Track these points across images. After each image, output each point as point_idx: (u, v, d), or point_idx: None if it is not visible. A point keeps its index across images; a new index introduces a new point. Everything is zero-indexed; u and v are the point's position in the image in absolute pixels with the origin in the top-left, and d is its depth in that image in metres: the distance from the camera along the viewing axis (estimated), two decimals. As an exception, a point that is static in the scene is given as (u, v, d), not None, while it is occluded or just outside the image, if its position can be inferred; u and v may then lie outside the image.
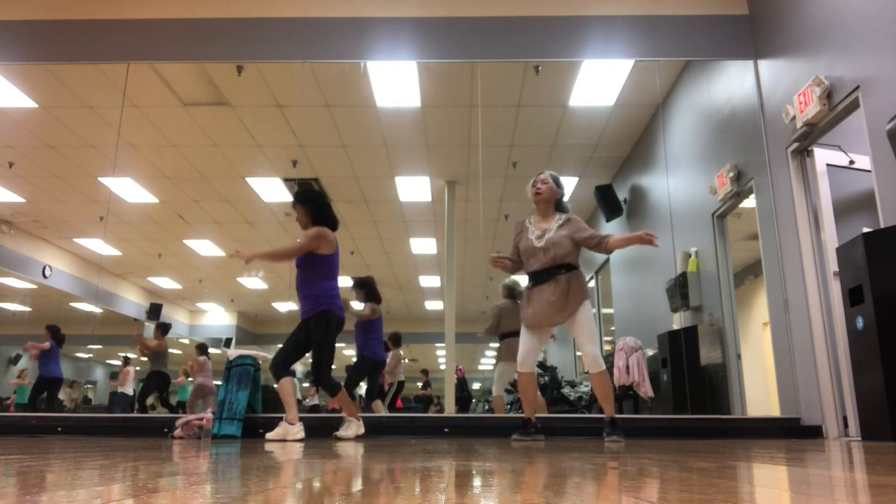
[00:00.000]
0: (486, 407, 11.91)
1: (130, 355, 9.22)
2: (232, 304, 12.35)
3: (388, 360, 6.99)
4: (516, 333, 5.85)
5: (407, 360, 8.47)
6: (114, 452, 2.17)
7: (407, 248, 10.06)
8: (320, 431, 4.71)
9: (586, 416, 5.61)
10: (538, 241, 3.85)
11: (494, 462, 1.72)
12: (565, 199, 4.04)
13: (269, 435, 4.00)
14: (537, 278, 3.83)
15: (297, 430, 4.00)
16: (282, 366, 4.05)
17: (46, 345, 7.76)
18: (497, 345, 6.03)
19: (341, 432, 4.15)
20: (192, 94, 6.71)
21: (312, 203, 4.29)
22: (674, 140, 6.58)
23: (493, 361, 6.19)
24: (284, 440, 3.92)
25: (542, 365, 7.14)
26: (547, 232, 3.86)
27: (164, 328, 8.18)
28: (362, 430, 4.21)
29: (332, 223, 4.33)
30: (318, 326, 4.10)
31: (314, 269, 4.16)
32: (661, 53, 5.89)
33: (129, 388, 8.96)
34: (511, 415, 5.91)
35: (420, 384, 10.99)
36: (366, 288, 6.10)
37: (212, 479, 1.20)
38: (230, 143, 7.57)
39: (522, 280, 6.17)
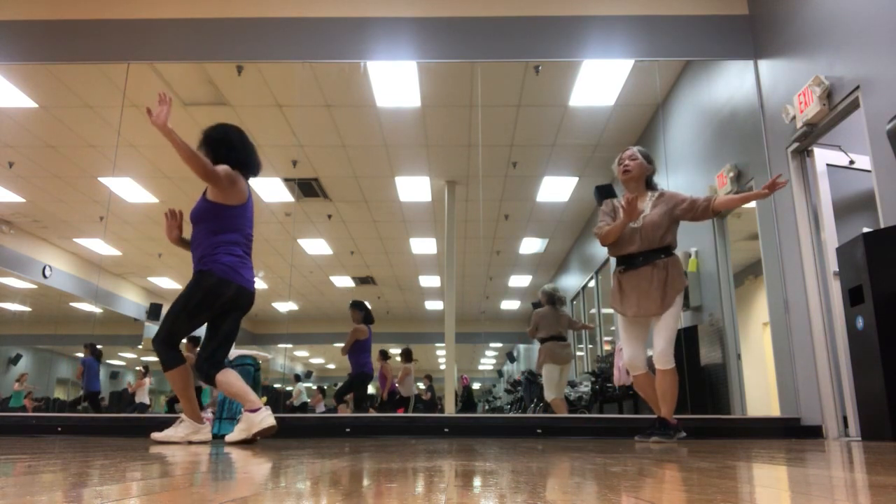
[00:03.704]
0: (487, 407, 11.93)
1: (150, 359, 9.26)
2: (232, 304, 12.32)
3: (399, 374, 7.66)
4: (554, 337, 6.04)
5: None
6: (114, 452, 2.17)
7: (407, 248, 10.05)
8: (320, 432, 4.71)
9: (587, 416, 5.60)
10: (633, 221, 3.52)
11: (494, 462, 1.72)
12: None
13: (156, 436, 3.31)
14: (631, 262, 3.53)
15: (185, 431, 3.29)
16: (209, 361, 3.26)
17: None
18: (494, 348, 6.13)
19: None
20: (192, 94, 6.71)
21: (216, 143, 3.30)
22: (674, 140, 6.58)
23: (494, 362, 6.26)
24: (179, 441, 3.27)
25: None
26: (642, 212, 3.55)
27: (195, 340, 8.34)
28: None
29: (253, 166, 3.38)
30: (187, 285, 3.23)
31: (211, 224, 3.24)
32: (661, 53, 5.89)
33: (145, 398, 9.05)
34: (510, 415, 5.91)
35: (423, 386, 11.03)
36: (364, 311, 6.75)
37: (211, 479, 1.20)
38: (230, 143, 7.56)
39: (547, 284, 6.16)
